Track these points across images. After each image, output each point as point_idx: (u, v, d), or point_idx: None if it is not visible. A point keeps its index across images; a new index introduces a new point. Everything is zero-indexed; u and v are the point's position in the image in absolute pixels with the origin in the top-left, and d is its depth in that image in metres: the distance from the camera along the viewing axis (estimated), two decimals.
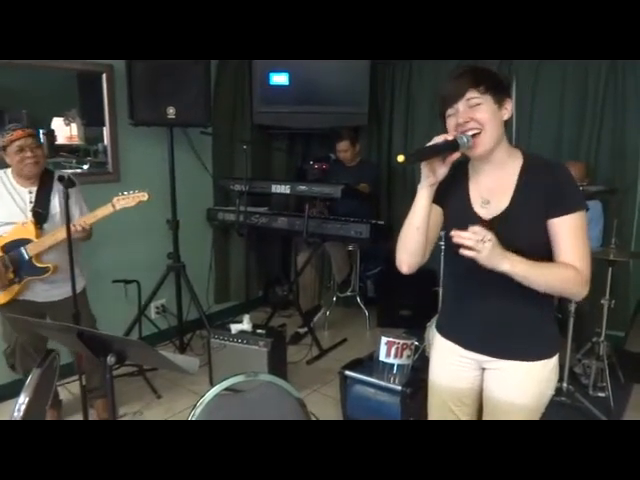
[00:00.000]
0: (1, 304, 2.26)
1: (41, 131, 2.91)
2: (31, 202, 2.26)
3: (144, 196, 2.27)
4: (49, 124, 2.97)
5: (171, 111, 3.03)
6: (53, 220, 2.30)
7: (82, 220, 2.23)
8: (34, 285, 2.29)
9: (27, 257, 2.22)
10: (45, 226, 2.27)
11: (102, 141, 3.11)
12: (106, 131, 3.08)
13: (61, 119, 2.98)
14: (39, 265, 2.25)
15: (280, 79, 3.78)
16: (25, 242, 2.21)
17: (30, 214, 2.25)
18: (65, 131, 3.01)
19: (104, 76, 3.00)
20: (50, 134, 2.96)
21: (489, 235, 1.10)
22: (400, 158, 1.13)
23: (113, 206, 2.24)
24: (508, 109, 1.24)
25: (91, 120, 3.03)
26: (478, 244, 1.09)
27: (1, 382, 2.67)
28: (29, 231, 2.22)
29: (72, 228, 2.14)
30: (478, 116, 1.19)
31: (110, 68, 3.00)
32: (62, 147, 3.00)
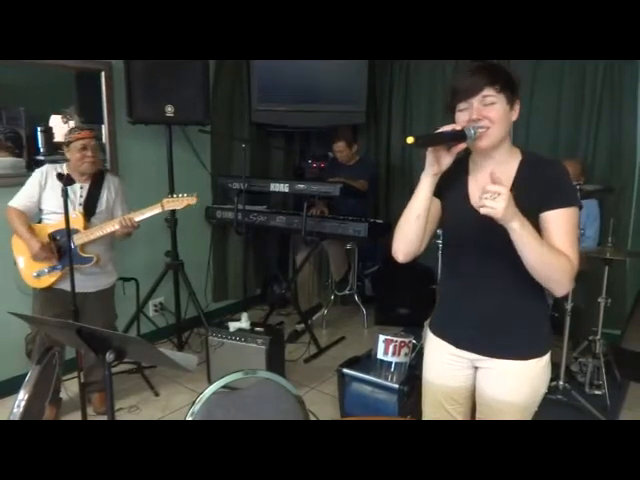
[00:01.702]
0: (41, 288, 2.41)
1: (38, 128, 2.92)
2: (81, 196, 2.44)
3: (193, 200, 2.40)
4: (47, 121, 2.96)
5: (170, 109, 3.03)
6: (100, 216, 2.46)
7: (129, 217, 2.37)
8: None
9: (73, 246, 2.33)
10: (93, 220, 2.43)
11: (100, 139, 3.11)
12: (104, 129, 3.07)
13: (59, 116, 2.98)
14: (83, 255, 2.39)
15: (278, 77, 3.78)
16: (73, 232, 2.30)
17: (79, 207, 2.41)
18: (63, 128, 2.99)
19: (103, 74, 3.00)
20: (48, 131, 2.96)
21: (501, 189, 1.08)
22: (410, 139, 1.13)
23: (162, 206, 2.39)
24: (517, 110, 1.26)
25: (89, 118, 3.02)
26: (489, 201, 1.08)
27: (4, 377, 2.68)
28: (78, 222, 2.36)
29: (123, 222, 2.33)
30: (491, 115, 1.20)
31: (109, 66, 3.00)
32: (60, 145, 2.99)
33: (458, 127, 1.20)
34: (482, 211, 1.09)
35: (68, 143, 2.38)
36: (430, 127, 3.81)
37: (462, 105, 1.23)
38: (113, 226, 2.37)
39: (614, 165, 3.28)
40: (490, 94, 1.20)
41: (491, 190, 1.09)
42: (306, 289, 3.83)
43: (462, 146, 1.21)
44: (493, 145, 1.24)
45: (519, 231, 1.11)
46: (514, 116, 1.25)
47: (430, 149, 1.21)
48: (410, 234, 1.30)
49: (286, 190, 3.36)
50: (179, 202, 2.39)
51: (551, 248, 1.17)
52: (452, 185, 1.33)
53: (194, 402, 1.38)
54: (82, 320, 2.23)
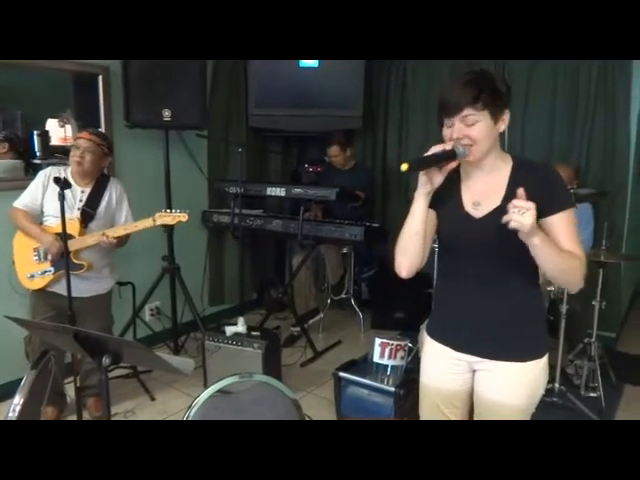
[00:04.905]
0: (34, 290, 2.43)
1: (35, 132, 2.92)
2: (81, 201, 2.45)
3: (185, 217, 2.44)
4: (43, 125, 2.96)
5: (167, 113, 3.04)
6: (99, 222, 2.46)
7: (107, 232, 2.36)
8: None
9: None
10: (91, 225, 2.44)
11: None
12: None
13: (56, 120, 2.98)
14: (75, 261, 2.38)
15: (275, 82, 3.79)
16: (68, 237, 2.30)
17: (78, 212, 2.41)
18: (60, 132, 3.00)
19: (100, 78, 3.00)
20: (44, 135, 2.96)
21: (530, 205, 1.10)
22: (404, 167, 1.16)
23: (154, 220, 2.42)
24: (505, 120, 1.25)
25: (87, 122, 3.02)
26: (517, 215, 1.09)
27: (3, 381, 2.67)
28: (73, 227, 2.35)
29: (101, 239, 2.33)
30: (472, 134, 1.21)
31: (106, 70, 3.01)
32: (56, 148, 2.99)
33: (448, 147, 1.22)
34: (511, 225, 1.10)
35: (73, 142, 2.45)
36: (426, 131, 3.83)
37: (446, 121, 1.25)
38: (95, 238, 2.36)
39: (607, 168, 3.29)
40: (471, 113, 1.20)
41: (519, 205, 1.10)
42: (303, 293, 3.83)
43: (453, 165, 1.24)
44: (479, 159, 1.27)
45: (540, 245, 1.14)
46: (501, 127, 1.25)
47: (424, 170, 1.24)
48: (411, 251, 1.33)
49: (282, 194, 3.37)
50: (171, 217, 2.43)
51: (565, 253, 1.19)
52: (445, 194, 1.34)
53: (190, 406, 1.38)
54: (77, 325, 2.23)
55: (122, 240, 2.47)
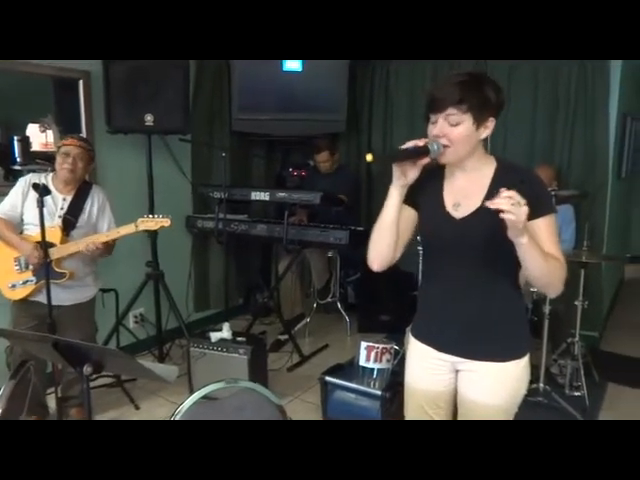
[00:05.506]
0: (15, 300, 2.38)
1: (15, 137, 2.87)
2: (62, 209, 2.41)
3: (167, 222, 2.42)
4: (24, 130, 2.92)
5: (149, 118, 3.01)
6: (81, 230, 2.43)
7: (93, 239, 2.33)
8: None
9: (48, 260, 2.27)
10: (72, 233, 2.40)
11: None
12: None
13: (37, 125, 2.93)
14: (57, 270, 2.34)
15: (259, 86, 3.79)
16: (48, 245, 2.25)
17: (58, 220, 2.37)
18: (40, 138, 2.96)
19: (81, 82, 2.97)
20: (25, 140, 2.91)
21: (523, 200, 1.08)
22: (368, 157, 1.16)
23: (136, 226, 2.39)
24: (489, 127, 1.25)
25: (67, 127, 2.97)
26: (514, 207, 1.06)
27: None
28: (55, 235, 2.32)
29: (88, 245, 2.29)
30: (452, 135, 1.22)
31: (87, 74, 2.97)
32: (37, 154, 2.94)
33: (421, 143, 1.23)
34: (505, 216, 1.07)
35: (58, 148, 2.40)
36: (411, 132, 3.81)
37: (432, 118, 1.26)
38: (79, 246, 2.32)
39: (588, 169, 3.34)
40: (454, 113, 1.21)
41: (513, 195, 1.07)
42: (289, 298, 3.82)
43: (426, 160, 1.24)
44: (454, 162, 1.28)
45: (527, 244, 1.13)
46: (483, 134, 1.25)
47: (395, 164, 1.24)
48: (383, 244, 1.34)
49: (267, 199, 3.36)
50: (153, 223, 2.41)
51: (549, 256, 1.20)
52: (428, 192, 1.35)
53: (174, 412, 1.36)
54: (59, 334, 2.18)
55: (106, 249, 2.43)
